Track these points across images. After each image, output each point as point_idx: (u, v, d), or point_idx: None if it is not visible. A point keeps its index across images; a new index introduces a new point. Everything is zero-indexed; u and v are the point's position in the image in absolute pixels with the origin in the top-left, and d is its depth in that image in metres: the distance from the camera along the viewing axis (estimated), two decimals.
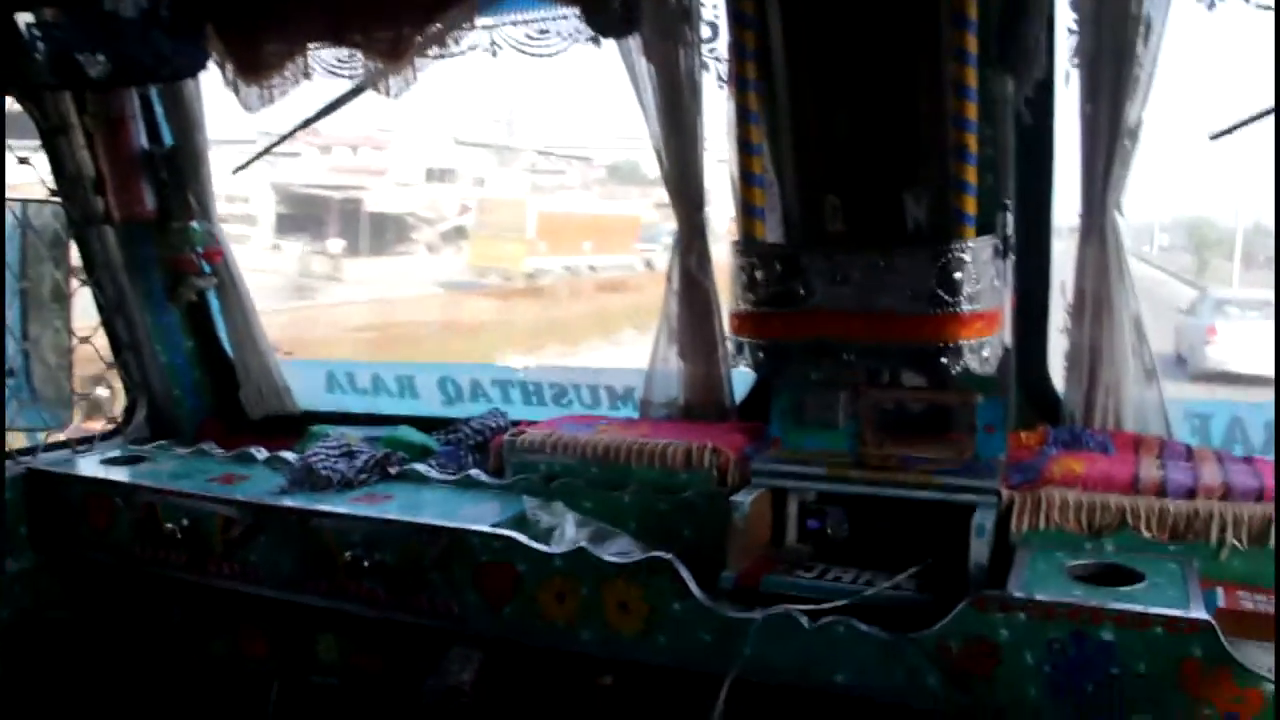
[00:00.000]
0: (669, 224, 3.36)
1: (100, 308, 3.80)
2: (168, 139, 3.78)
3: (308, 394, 4.12)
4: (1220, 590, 2.31)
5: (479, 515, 2.86)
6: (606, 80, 3.01)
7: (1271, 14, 2.37)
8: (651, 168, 3.09)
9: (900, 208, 2.56)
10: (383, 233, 40.85)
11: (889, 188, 2.56)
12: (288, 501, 3.04)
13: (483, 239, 37.97)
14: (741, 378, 3.21)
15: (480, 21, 3.06)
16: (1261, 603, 2.26)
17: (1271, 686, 2.05)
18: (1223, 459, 2.70)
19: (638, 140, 3.13)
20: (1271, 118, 2.44)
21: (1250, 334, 16.48)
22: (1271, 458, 2.88)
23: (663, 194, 3.16)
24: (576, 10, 2.81)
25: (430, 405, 4.42)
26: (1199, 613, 2.13)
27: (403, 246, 41.53)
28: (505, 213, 37.45)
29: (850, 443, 2.80)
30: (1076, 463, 2.63)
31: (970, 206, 2.37)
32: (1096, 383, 2.84)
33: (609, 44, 3.00)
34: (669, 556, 2.53)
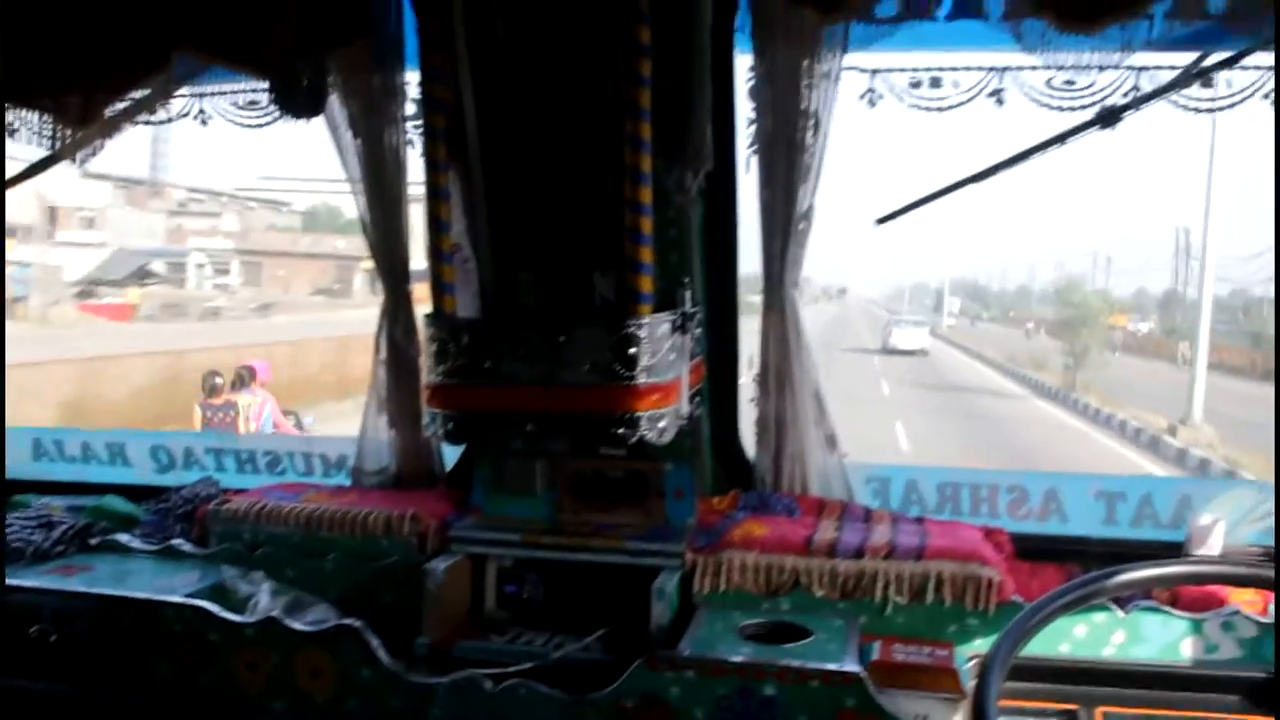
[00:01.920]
0: None
1: None
2: None
3: (12, 462, 3.94)
4: (877, 644, 2.46)
5: (177, 585, 2.81)
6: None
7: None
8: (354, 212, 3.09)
9: (591, 285, 2.68)
10: None
11: (580, 266, 2.67)
12: None
13: None
14: (453, 446, 3.26)
15: (189, 90, 3.06)
16: (913, 654, 2.42)
17: None
18: (896, 520, 2.89)
19: (342, 185, 3.15)
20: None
21: (905, 333, 47.87)
22: (943, 518, 3.11)
23: None
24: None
25: (144, 473, 4.30)
26: (852, 666, 2.28)
27: None
28: None
29: (548, 510, 2.88)
30: (758, 526, 2.77)
31: (646, 285, 2.49)
32: (783, 450, 3.00)
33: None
34: (358, 624, 2.55)
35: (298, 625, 2.59)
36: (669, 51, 2.51)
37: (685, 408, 2.65)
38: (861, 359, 43.99)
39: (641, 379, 2.46)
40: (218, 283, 57.57)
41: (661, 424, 2.52)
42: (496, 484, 2.93)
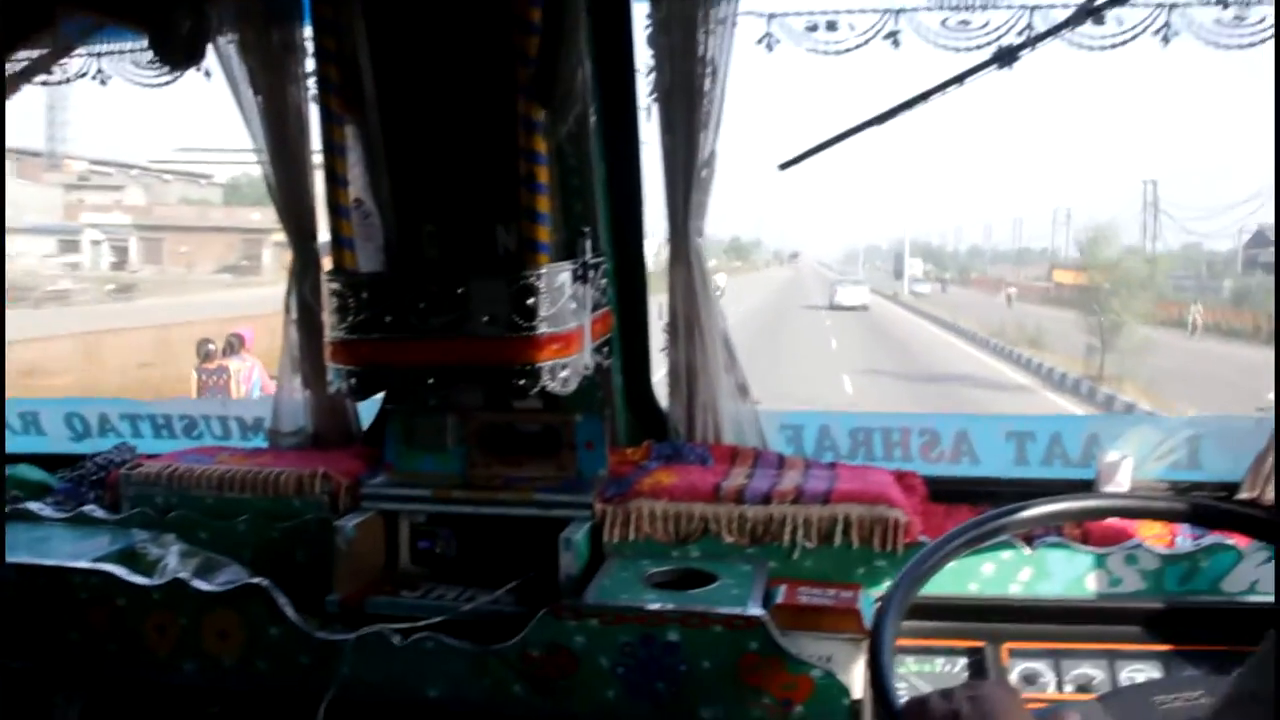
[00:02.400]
0: None
1: None
2: None
3: None
4: (783, 587, 2.48)
5: (86, 552, 2.79)
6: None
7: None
8: None
9: (494, 237, 2.67)
10: None
11: (482, 218, 2.66)
12: None
13: None
14: (369, 404, 3.24)
15: (87, 50, 3.02)
16: (817, 596, 2.45)
17: (820, 672, 2.23)
18: (809, 466, 2.92)
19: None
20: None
21: (848, 291, 54.19)
22: (857, 463, 3.14)
23: None
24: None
25: (59, 442, 4.26)
26: (755, 610, 2.30)
27: None
28: None
29: (460, 465, 2.88)
30: (668, 475, 2.78)
31: (543, 235, 2.48)
32: (695, 399, 3.01)
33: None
34: (265, 582, 2.54)
35: (204, 586, 2.59)
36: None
37: (589, 358, 2.65)
38: (812, 315, 45.21)
39: (541, 329, 2.46)
40: (114, 261, 55.70)
41: (564, 374, 2.52)
42: (408, 440, 2.92)
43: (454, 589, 2.71)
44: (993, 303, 57.07)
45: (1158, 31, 2.65)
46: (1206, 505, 1.93)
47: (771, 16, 2.78)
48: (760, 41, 2.79)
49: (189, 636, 2.58)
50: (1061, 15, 2.69)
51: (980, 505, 2.83)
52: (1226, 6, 2.55)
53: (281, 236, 3.19)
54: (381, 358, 2.57)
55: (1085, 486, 2.97)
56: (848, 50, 2.75)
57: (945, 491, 2.97)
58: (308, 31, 3.00)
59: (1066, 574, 2.53)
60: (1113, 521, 2.62)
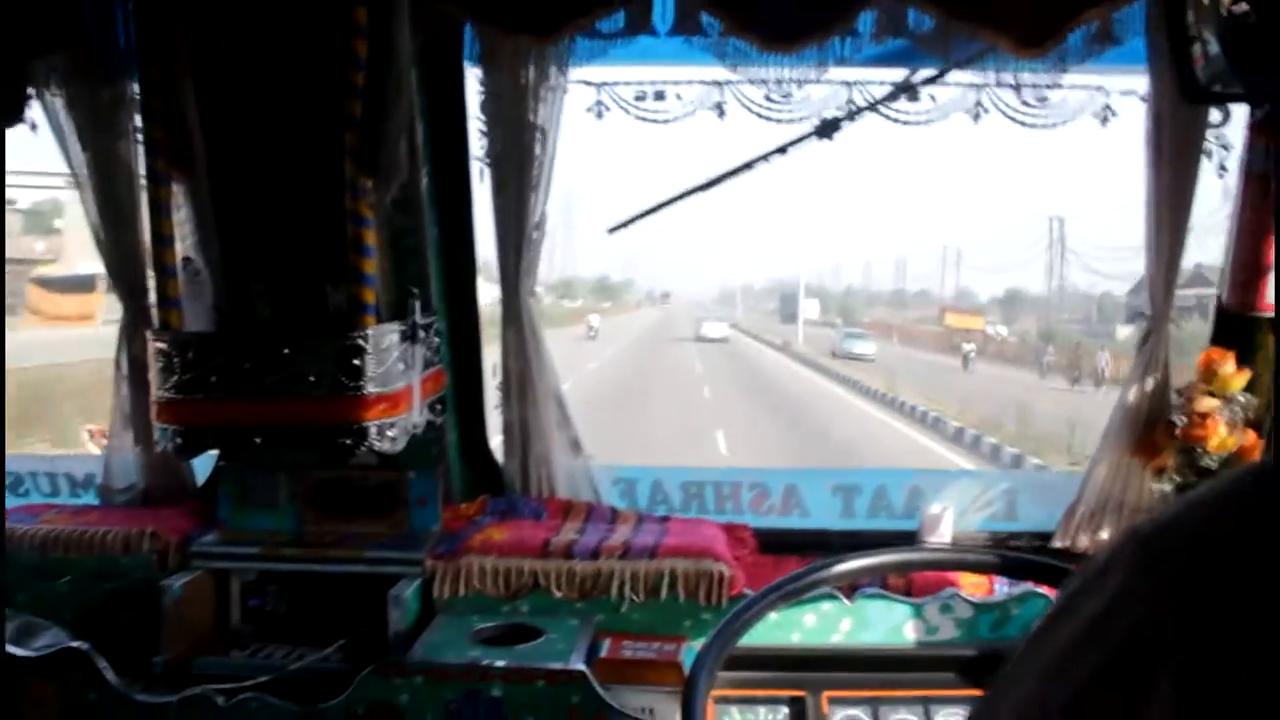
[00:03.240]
0: None
1: None
2: None
3: None
4: (607, 641, 2.54)
5: None
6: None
7: None
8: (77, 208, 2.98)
9: (325, 297, 2.68)
10: None
11: (312, 278, 2.67)
12: None
13: None
14: (205, 459, 3.21)
15: None
16: (640, 650, 2.51)
17: None
18: (641, 520, 2.98)
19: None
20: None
21: (711, 326, 61.49)
22: (690, 516, 3.21)
23: None
24: None
25: None
26: (577, 665, 2.35)
27: None
28: None
29: (293, 522, 2.88)
30: (499, 531, 2.82)
31: (369, 296, 2.50)
32: (530, 454, 3.06)
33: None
34: (83, 645, 2.50)
35: (19, 651, 2.53)
36: (382, 66, 2.53)
37: (418, 416, 2.68)
38: (680, 350, 48.68)
39: (368, 389, 2.47)
40: None
41: (391, 433, 2.54)
42: (241, 497, 2.91)
43: (284, 647, 2.70)
44: (933, 361, 45.63)
45: (968, 110, 2.80)
46: (1012, 557, 2.05)
47: (601, 85, 2.86)
48: (590, 109, 2.86)
49: (2, 705, 2.52)
50: (879, 92, 2.83)
51: (809, 556, 2.91)
52: (1019, 90, 2.71)
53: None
54: (207, 418, 2.56)
55: (910, 537, 3.08)
56: (675, 119, 2.85)
57: (776, 543, 3.06)
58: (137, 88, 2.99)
59: (885, 623, 2.63)
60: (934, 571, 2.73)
